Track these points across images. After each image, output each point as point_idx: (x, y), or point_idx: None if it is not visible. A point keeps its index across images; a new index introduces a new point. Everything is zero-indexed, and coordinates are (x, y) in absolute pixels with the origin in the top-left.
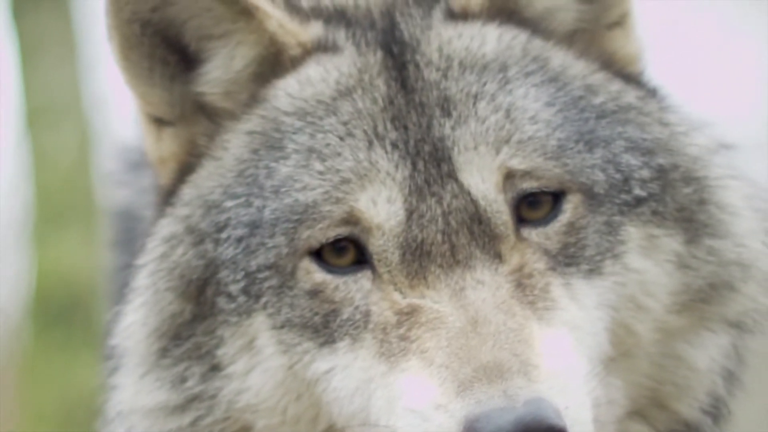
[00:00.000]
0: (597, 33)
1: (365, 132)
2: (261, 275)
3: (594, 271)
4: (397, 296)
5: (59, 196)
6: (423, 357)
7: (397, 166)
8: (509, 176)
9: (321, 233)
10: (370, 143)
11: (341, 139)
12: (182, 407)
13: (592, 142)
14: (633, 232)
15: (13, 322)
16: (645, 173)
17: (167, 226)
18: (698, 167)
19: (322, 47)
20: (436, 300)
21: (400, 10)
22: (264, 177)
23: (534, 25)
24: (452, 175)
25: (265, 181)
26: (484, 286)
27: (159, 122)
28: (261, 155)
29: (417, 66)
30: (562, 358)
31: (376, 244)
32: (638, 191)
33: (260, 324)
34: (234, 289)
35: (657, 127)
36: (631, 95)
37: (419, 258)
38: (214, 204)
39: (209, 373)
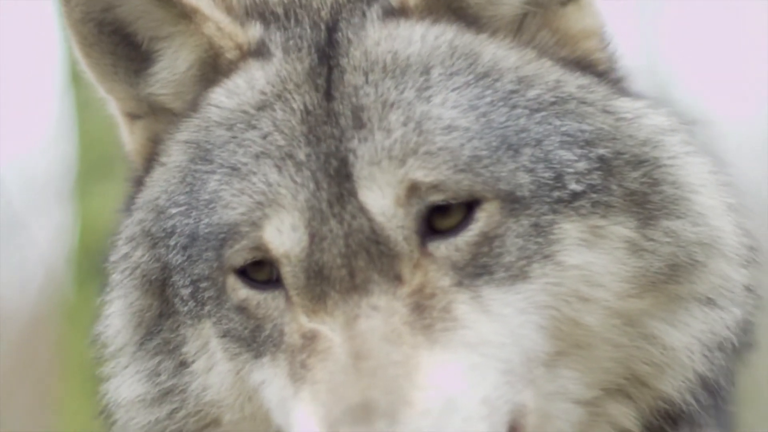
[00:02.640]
0: (549, 12)
1: (280, 148)
2: (202, 285)
3: (518, 277)
4: (303, 320)
5: (102, 147)
6: (312, 389)
7: (304, 188)
8: (414, 189)
9: (240, 255)
10: (283, 162)
11: (257, 156)
12: (158, 400)
13: (519, 143)
14: (569, 229)
15: (55, 273)
16: (582, 166)
17: (128, 227)
18: (648, 149)
19: (256, 52)
20: (332, 328)
21: (347, 7)
22: (198, 188)
23: (475, 15)
24: (353, 193)
25: (199, 192)
26: (378, 313)
27: (130, 116)
28: (197, 165)
29: (343, 71)
30: (448, 388)
31: (284, 270)
32: (574, 186)
33: (209, 329)
34: (185, 293)
35: (599, 117)
36: (571, 84)
37: (321, 283)
38: (162, 210)
39: (179, 368)
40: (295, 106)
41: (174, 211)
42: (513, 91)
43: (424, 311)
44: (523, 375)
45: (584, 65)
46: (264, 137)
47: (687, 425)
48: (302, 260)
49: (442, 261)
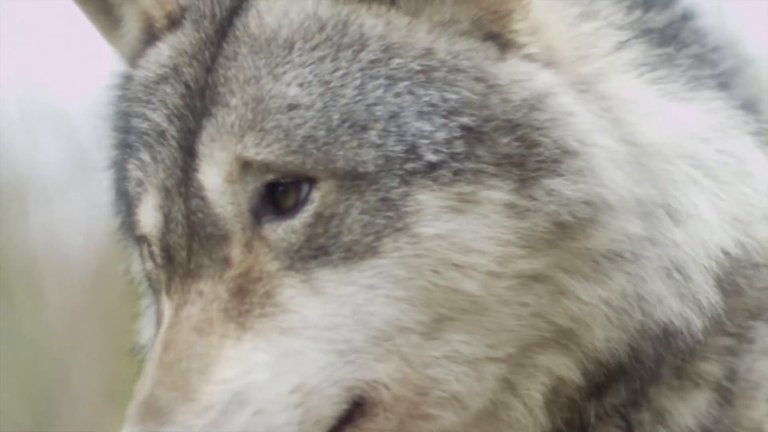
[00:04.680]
0: None
1: (158, 125)
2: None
3: (366, 254)
4: (165, 299)
5: None
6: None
7: (164, 167)
8: (247, 167)
9: (137, 232)
10: (157, 138)
11: (143, 133)
12: None
13: (368, 119)
14: (427, 199)
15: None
16: (441, 136)
17: (111, 182)
18: (522, 113)
19: (176, 21)
20: (169, 313)
21: None
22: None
23: None
24: (196, 171)
25: (125, 162)
26: (201, 299)
27: None
28: (122, 135)
29: (228, 43)
30: (240, 381)
31: (152, 249)
32: (431, 156)
33: None
34: None
35: (468, 84)
36: (443, 51)
37: (169, 264)
38: (122, 169)
39: None
40: (182, 79)
41: (124, 174)
42: (374, 61)
43: (246, 296)
44: (374, 351)
45: (480, 24)
46: (154, 111)
47: (636, 377)
48: (159, 240)
49: (276, 243)
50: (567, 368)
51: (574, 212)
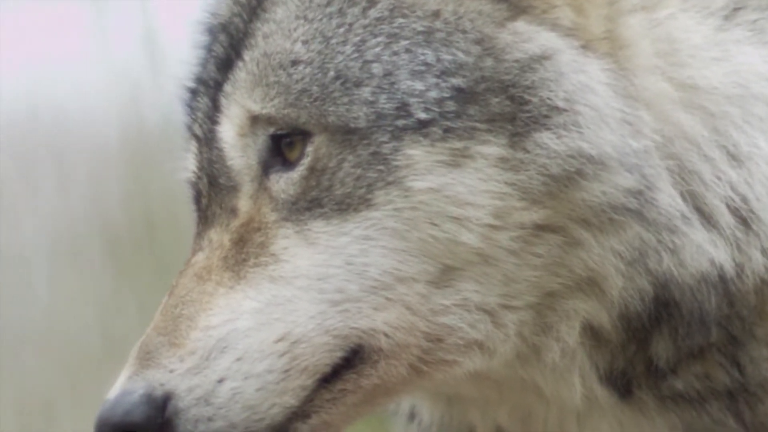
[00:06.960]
0: None
1: (208, 74)
2: None
3: (360, 206)
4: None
5: None
6: None
7: (201, 116)
8: (255, 121)
9: None
10: (204, 89)
11: (198, 80)
12: None
13: (362, 76)
14: (417, 154)
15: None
16: (433, 95)
17: None
18: (513, 74)
19: None
20: (186, 259)
21: None
22: None
23: None
24: (217, 123)
25: None
26: (209, 246)
27: None
28: (192, 85)
29: None
30: (224, 328)
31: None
32: (421, 114)
33: None
34: None
35: (465, 45)
36: (449, 12)
37: (197, 211)
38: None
39: None
40: (230, 29)
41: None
42: (380, 19)
43: (245, 246)
44: (371, 300)
45: None
46: (206, 61)
47: (696, 323)
48: (193, 186)
49: (277, 194)
50: (597, 313)
51: (561, 165)
